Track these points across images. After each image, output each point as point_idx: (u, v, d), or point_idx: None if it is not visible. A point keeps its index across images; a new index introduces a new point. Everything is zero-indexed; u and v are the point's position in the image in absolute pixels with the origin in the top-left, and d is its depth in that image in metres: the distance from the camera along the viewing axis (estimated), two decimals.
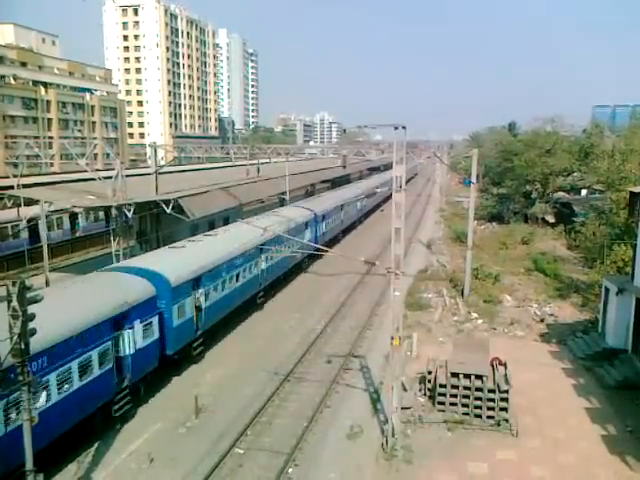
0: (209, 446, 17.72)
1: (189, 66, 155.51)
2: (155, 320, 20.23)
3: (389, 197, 69.66)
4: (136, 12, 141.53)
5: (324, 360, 24.56)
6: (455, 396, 19.42)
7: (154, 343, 20.26)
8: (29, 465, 12.35)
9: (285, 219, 37.02)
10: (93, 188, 34.84)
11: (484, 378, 19.18)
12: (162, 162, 46.91)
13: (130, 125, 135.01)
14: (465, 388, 19.26)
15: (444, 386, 19.54)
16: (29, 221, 38.38)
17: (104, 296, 18.50)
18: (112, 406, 18.35)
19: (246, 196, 44.67)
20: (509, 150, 67.36)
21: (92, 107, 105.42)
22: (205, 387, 21.82)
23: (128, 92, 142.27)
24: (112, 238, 33.47)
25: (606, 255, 33.28)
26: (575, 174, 64.32)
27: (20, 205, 39.51)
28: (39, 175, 54.82)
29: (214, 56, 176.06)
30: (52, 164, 72.08)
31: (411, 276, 37.76)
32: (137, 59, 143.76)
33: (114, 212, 32.60)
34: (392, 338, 17.71)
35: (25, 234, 41.11)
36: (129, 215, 32.58)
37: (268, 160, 59.19)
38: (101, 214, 50.67)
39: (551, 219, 61.23)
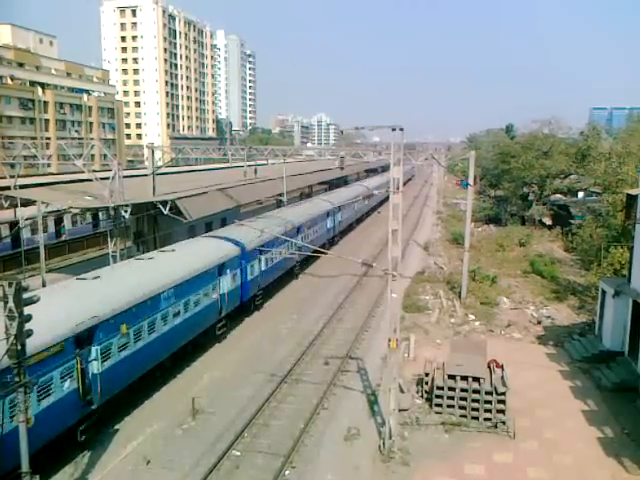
0: (206, 448, 17.68)
1: (187, 67, 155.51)
2: None
3: (383, 200, 69.63)
4: (134, 13, 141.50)
5: (321, 362, 24.53)
6: (452, 398, 19.42)
7: None
8: (25, 467, 12.31)
9: (180, 266, 23.18)
10: (90, 189, 34.77)
11: (481, 380, 19.19)
12: (159, 163, 46.86)
13: (127, 126, 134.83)
14: (462, 390, 19.26)
15: (441, 388, 19.54)
16: (12, 224, 37.44)
17: None
18: None
19: (243, 197, 44.64)
20: (506, 152, 67.47)
21: (89, 108, 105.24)
22: (202, 389, 21.76)
23: (126, 93, 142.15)
24: (109, 239, 33.40)
25: (603, 257, 33.34)
26: (572, 176, 64.47)
27: (17, 206, 39.36)
28: (36, 176, 54.54)
29: (212, 57, 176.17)
30: (49, 165, 71.84)
31: (408, 278, 37.77)
32: (135, 60, 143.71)
33: (111, 213, 32.53)
34: (389, 340, 17.71)
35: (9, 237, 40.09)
36: (126, 216, 32.53)
37: (265, 162, 59.17)
38: (89, 217, 49.28)
39: (548, 221, 61.42)
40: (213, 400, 20.81)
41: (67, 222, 47.35)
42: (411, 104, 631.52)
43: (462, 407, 19.33)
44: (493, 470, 16.63)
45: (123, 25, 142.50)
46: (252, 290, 30.44)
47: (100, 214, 50.27)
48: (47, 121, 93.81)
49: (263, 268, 31.75)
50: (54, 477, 15.93)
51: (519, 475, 16.44)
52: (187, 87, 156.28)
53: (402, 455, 17.28)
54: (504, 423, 18.78)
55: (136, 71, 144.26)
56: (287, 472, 16.51)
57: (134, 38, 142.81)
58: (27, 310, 11.86)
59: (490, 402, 18.95)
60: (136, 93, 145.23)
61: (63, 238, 46.64)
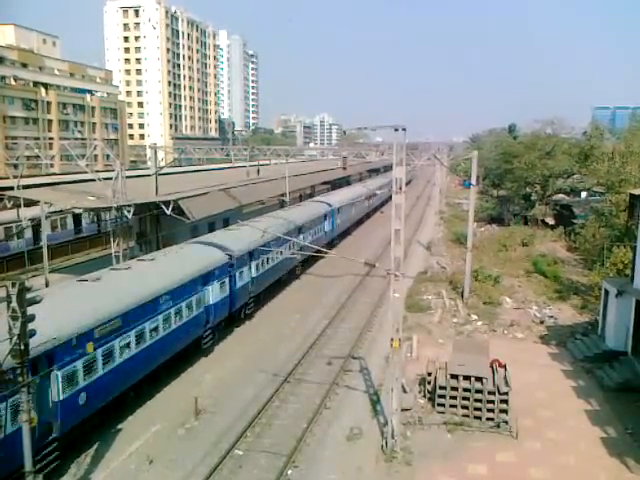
0: (208, 447, 17.72)
1: (189, 67, 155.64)
2: None
3: (382, 203, 69.48)
4: (137, 13, 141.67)
5: (324, 362, 24.55)
6: (455, 398, 19.41)
7: None
8: (28, 466, 12.35)
9: None
10: (93, 189, 34.87)
11: (484, 380, 19.17)
12: (162, 163, 46.93)
13: (130, 126, 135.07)
14: (465, 390, 19.25)
15: (444, 388, 19.53)
16: None
17: None
18: None
19: (246, 197, 44.70)
20: (509, 152, 67.32)
21: (92, 108, 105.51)
22: (205, 388, 21.81)
23: (128, 93, 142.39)
24: (112, 239, 33.52)
25: (606, 257, 33.29)
26: (575, 176, 64.33)
27: (20, 206, 39.51)
28: (39, 176, 54.54)
29: (214, 57, 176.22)
30: (52, 165, 72.04)
31: (411, 278, 37.76)
32: (137, 60, 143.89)
33: (114, 213, 32.62)
34: (392, 340, 17.71)
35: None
36: (129, 216, 32.60)
37: (268, 162, 59.26)
38: (70, 221, 47.25)
39: (551, 221, 61.28)
40: (216, 400, 20.85)
41: (46, 227, 44.25)
42: (414, 104, 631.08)
43: (465, 407, 19.31)
44: (495, 470, 16.61)
45: (126, 25, 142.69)
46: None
47: (83, 219, 49.05)
48: (50, 121, 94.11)
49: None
50: (57, 476, 15.97)
51: (522, 475, 16.43)
52: (190, 87, 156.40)
53: (404, 455, 17.28)
54: (507, 423, 18.77)
55: (139, 71, 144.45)
56: (290, 472, 16.53)
57: (137, 38, 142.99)
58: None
59: (493, 402, 18.93)
60: (139, 93, 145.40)
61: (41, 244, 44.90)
